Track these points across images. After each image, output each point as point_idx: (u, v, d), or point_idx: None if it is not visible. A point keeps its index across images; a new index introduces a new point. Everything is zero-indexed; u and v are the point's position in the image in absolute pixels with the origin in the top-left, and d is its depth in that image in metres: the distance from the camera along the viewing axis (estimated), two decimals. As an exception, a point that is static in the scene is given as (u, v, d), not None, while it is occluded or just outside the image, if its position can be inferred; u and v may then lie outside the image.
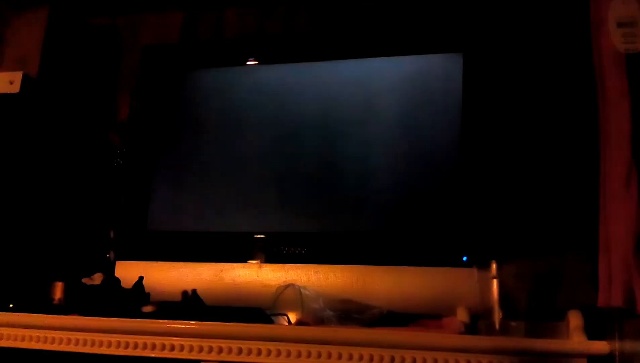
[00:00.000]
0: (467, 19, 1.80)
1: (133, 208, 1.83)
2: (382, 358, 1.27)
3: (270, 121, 1.80)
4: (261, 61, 1.89)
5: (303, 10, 1.98)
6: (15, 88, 1.85)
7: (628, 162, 1.17)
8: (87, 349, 1.42)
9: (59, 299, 1.53)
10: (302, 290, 1.53)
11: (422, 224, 1.61)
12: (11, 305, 1.53)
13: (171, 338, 1.38)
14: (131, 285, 1.54)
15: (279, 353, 1.32)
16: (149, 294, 1.55)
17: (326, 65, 1.82)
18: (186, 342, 1.37)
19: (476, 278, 1.42)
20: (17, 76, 1.86)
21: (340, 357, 1.29)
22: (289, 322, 1.48)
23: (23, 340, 1.47)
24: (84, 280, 1.60)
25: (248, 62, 1.89)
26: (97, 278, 1.59)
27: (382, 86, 1.75)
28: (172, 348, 1.38)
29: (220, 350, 1.35)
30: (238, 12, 2.06)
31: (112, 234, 1.82)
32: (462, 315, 1.40)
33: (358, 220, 1.65)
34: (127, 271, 1.63)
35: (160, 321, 1.39)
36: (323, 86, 1.80)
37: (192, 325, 1.37)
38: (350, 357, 1.28)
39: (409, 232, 1.61)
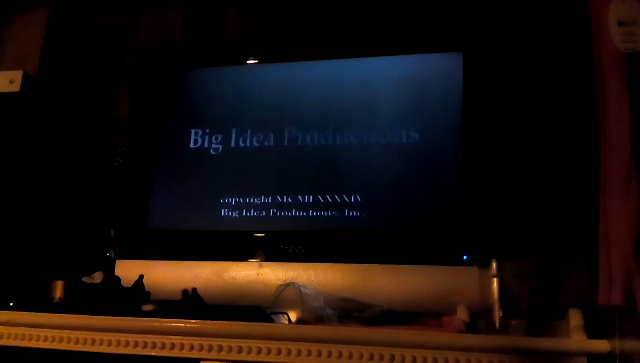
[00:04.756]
0: (467, 18, 1.80)
1: (133, 206, 1.82)
2: (382, 357, 1.27)
3: (271, 120, 1.80)
4: (261, 60, 1.89)
5: (303, 10, 1.98)
6: (16, 87, 1.85)
7: (628, 162, 1.17)
8: (88, 348, 1.43)
9: (59, 298, 1.53)
10: (302, 289, 1.53)
11: (423, 223, 1.61)
12: (11, 304, 1.53)
13: (171, 336, 1.38)
14: (131, 284, 1.54)
15: (279, 352, 1.32)
16: (149, 293, 1.55)
17: (327, 64, 1.82)
18: (186, 340, 1.37)
19: (476, 277, 1.42)
20: (18, 75, 1.86)
21: (340, 355, 1.29)
22: (289, 320, 1.48)
23: (23, 338, 1.47)
24: (84, 279, 1.60)
25: (248, 61, 1.90)
26: (98, 277, 1.59)
27: (382, 84, 1.75)
28: (172, 346, 1.38)
29: (221, 348, 1.35)
30: (238, 11, 2.06)
31: (112, 233, 1.82)
32: (462, 314, 1.40)
33: (358, 219, 1.65)
34: (127, 270, 1.63)
35: (161, 320, 1.39)
36: (323, 85, 1.80)
37: (192, 323, 1.37)
38: (351, 356, 1.28)
39: (409, 231, 1.61)
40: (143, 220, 1.79)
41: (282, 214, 1.70)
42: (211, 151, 1.82)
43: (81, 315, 1.45)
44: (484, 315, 1.38)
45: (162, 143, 1.87)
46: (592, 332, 1.27)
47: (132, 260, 1.74)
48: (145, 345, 1.40)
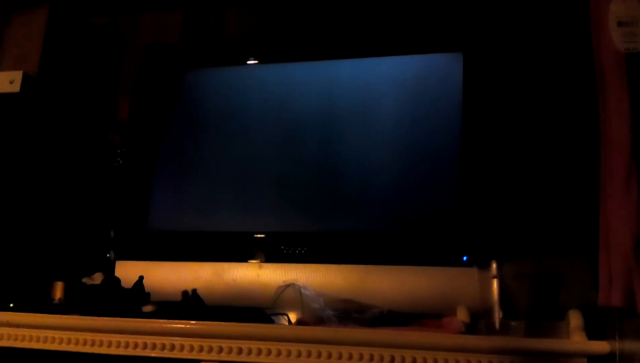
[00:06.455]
0: (468, 18, 1.80)
1: (133, 207, 1.82)
2: (382, 358, 1.27)
3: (271, 121, 1.80)
4: (261, 61, 1.89)
5: (303, 10, 1.98)
6: (16, 87, 1.85)
7: (628, 162, 1.17)
8: (87, 349, 1.43)
9: (59, 299, 1.53)
10: (302, 290, 1.53)
11: (423, 223, 1.61)
12: (11, 305, 1.53)
13: (171, 338, 1.38)
14: (131, 285, 1.53)
15: (279, 353, 1.32)
16: (149, 294, 1.55)
17: (326, 64, 1.82)
18: (186, 341, 1.37)
19: (476, 277, 1.42)
20: (17, 75, 1.86)
21: (340, 356, 1.29)
22: (289, 321, 1.48)
23: (23, 339, 1.47)
24: (84, 280, 1.60)
25: (248, 62, 1.89)
26: (97, 278, 1.59)
27: (382, 85, 1.75)
28: (172, 348, 1.38)
29: (221, 349, 1.35)
30: (238, 11, 2.06)
31: (112, 234, 1.82)
32: (462, 315, 1.40)
33: (358, 220, 1.65)
34: (127, 271, 1.63)
35: (160, 321, 1.39)
36: (323, 86, 1.80)
37: (192, 324, 1.37)
38: (351, 357, 1.28)
39: (409, 232, 1.61)
40: (143, 221, 1.79)
41: (282, 215, 1.71)
42: (211, 151, 1.82)
43: (81, 316, 1.45)
44: (484, 316, 1.38)
45: (162, 144, 1.87)
46: (592, 333, 1.27)
47: (132, 261, 1.73)
48: (145, 346, 1.39)
